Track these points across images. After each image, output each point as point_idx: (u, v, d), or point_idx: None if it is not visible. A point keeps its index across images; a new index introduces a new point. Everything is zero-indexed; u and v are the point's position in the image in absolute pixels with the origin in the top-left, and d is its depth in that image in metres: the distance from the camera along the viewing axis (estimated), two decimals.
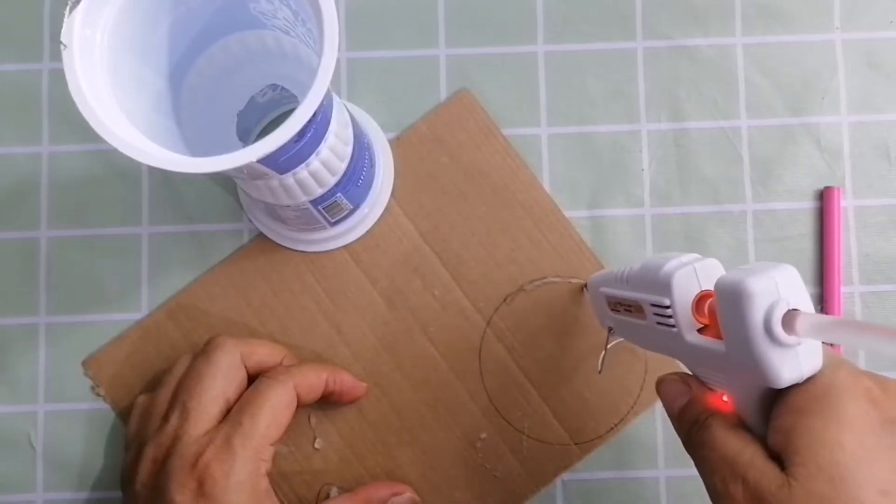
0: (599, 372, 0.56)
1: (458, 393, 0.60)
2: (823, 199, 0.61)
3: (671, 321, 0.42)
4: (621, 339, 0.53)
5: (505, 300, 0.61)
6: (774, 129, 0.62)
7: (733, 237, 0.61)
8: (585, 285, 0.60)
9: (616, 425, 0.60)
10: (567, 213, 0.61)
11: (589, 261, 0.61)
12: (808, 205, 0.62)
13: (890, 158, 0.62)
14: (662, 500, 0.60)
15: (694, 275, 0.41)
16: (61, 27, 0.41)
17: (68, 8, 0.41)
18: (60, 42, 0.41)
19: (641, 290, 0.44)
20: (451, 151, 0.62)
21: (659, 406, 0.60)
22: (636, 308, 0.45)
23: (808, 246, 0.61)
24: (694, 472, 0.59)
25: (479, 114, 0.62)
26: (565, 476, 0.60)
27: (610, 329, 0.53)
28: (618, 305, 0.49)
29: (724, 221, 0.62)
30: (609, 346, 0.54)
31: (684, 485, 0.60)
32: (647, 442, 0.60)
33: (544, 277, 0.61)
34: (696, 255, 0.43)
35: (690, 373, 0.45)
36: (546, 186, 0.62)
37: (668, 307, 0.41)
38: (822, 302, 0.61)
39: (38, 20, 0.63)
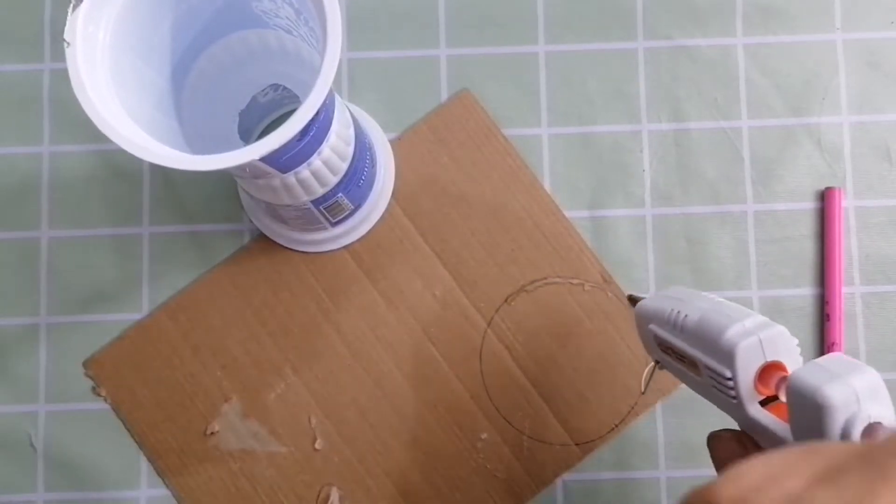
0: (643, 392, 0.53)
1: (458, 393, 0.60)
2: (824, 199, 0.61)
3: (731, 392, 0.39)
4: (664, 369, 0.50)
5: (506, 300, 0.61)
6: (775, 129, 0.62)
7: (734, 237, 0.61)
8: (630, 298, 0.56)
9: (616, 425, 0.60)
10: (567, 214, 0.61)
11: (589, 261, 0.61)
12: (809, 205, 0.62)
13: (890, 159, 0.62)
14: (663, 500, 0.60)
15: (759, 345, 0.38)
16: (63, 27, 0.41)
17: (71, 5, 0.41)
18: (63, 39, 0.41)
19: (697, 349, 0.42)
20: (452, 152, 0.62)
21: (659, 406, 0.60)
22: (690, 362, 0.43)
23: (808, 246, 0.61)
24: (694, 472, 0.59)
25: (479, 114, 0.62)
26: (566, 476, 0.60)
27: (657, 362, 0.49)
28: (668, 349, 0.46)
29: (724, 222, 0.62)
30: (650, 377, 0.51)
31: (685, 485, 0.60)
32: (648, 442, 0.60)
33: (545, 278, 0.61)
34: (761, 320, 0.40)
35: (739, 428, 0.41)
36: (546, 187, 0.62)
37: (729, 378, 0.39)
38: (824, 303, 0.61)
39: (39, 21, 0.63)
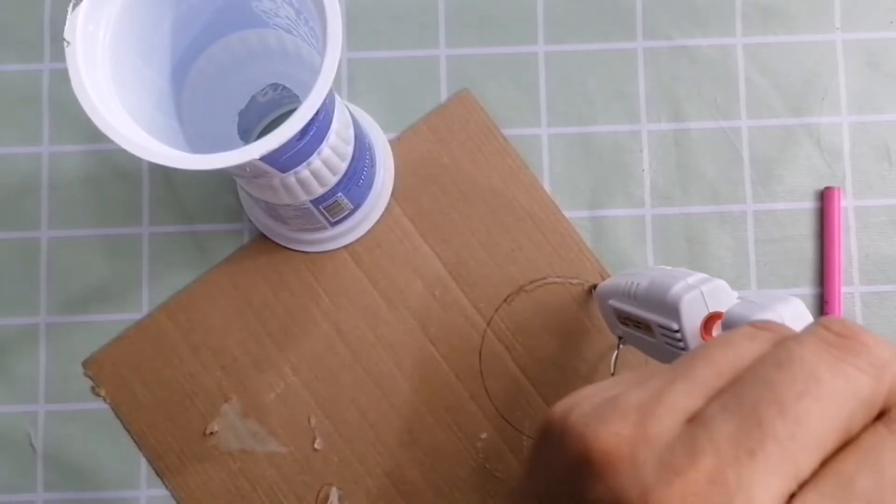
0: (612, 374, 0.55)
1: (458, 393, 0.60)
2: (824, 199, 0.61)
3: (680, 344, 0.42)
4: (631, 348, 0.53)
5: (505, 300, 0.61)
6: (775, 129, 0.62)
7: (733, 237, 0.61)
8: (593, 287, 0.59)
9: None
10: (567, 214, 0.61)
11: (589, 261, 0.61)
12: (809, 205, 0.62)
13: (890, 159, 0.62)
14: None
15: (701, 298, 0.41)
16: (63, 27, 0.41)
17: (71, 4, 0.41)
18: (63, 39, 0.41)
19: (649, 311, 0.44)
20: (452, 152, 0.62)
21: None
22: (644, 325, 0.45)
23: (808, 246, 0.61)
24: None
25: (479, 114, 0.62)
26: None
27: (620, 338, 0.53)
28: (626, 320, 0.49)
29: (724, 222, 0.62)
30: (617, 353, 0.53)
31: None
32: None
33: (545, 278, 0.61)
34: (702, 276, 0.43)
35: None
36: (546, 187, 0.62)
37: (676, 331, 0.42)
38: (823, 303, 0.61)
39: (39, 21, 0.63)
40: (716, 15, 0.63)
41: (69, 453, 0.60)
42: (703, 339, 0.41)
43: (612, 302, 0.50)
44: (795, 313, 0.36)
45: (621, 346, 0.53)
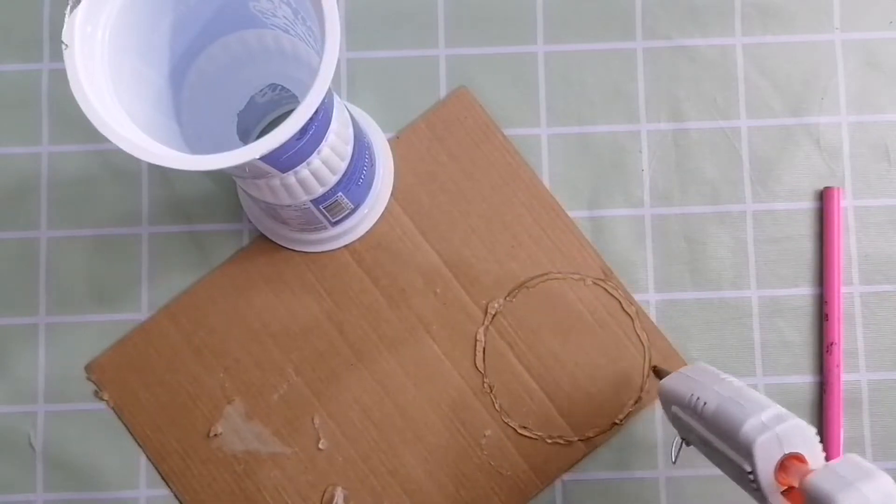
0: (674, 462, 0.51)
1: (461, 390, 0.60)
2: (823, 199, 0.61)
3: (753, 485, 0.40)
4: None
5: (507, 297, 0.61)
6: (774, 129, 0.62)
7: (733, 237, 0.61)
8: (654, 370, 0.58)
9: (621, 420, 0.60)
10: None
11: (591, 256, 0.61)
12: (808, 205, 0.62)
13: (889, 158, 0.62)
14: (662, 500, 0.60)
15: (776, 440, 0.40)
16: (62, 27, 0.41)
17: (69, 7, 0.41)
18: (62, 42, 0.41)
19: (718, 438, 0.43)
20: (451, 150, 0.62)
21: (659, 407, 0.60)
22: (714, 449, 0.44)
23: (807, 246, 0.61)
24: (694, 472, 0.59)
25: (477, 111, 0.62)
26: (565, 476, 0.60)
27: (685, 440, 0.50)
28: (691, 433, 0.47)
29: (723, 222, 0.62)
30: (680, 448, 0.50)
31: (684, 485, 0.60)
32: (647, 442, 0.60)
33: (546, 274, 0.61)
34: (777, 413, 0.41)
35: None
36: (546, 186, 0.62)
37: (749, 472, 0.40)
38: (823, 303, 0.61)
39: (38, 21, 0.63)
40: (715, 15, 0.63)
41: (69, 453, 0.60)
42: (780, 481, 0.40)
43: (675, 410, 0.48)
44: (884, 492, 0.35)
45: (684, 445, 0.50)
